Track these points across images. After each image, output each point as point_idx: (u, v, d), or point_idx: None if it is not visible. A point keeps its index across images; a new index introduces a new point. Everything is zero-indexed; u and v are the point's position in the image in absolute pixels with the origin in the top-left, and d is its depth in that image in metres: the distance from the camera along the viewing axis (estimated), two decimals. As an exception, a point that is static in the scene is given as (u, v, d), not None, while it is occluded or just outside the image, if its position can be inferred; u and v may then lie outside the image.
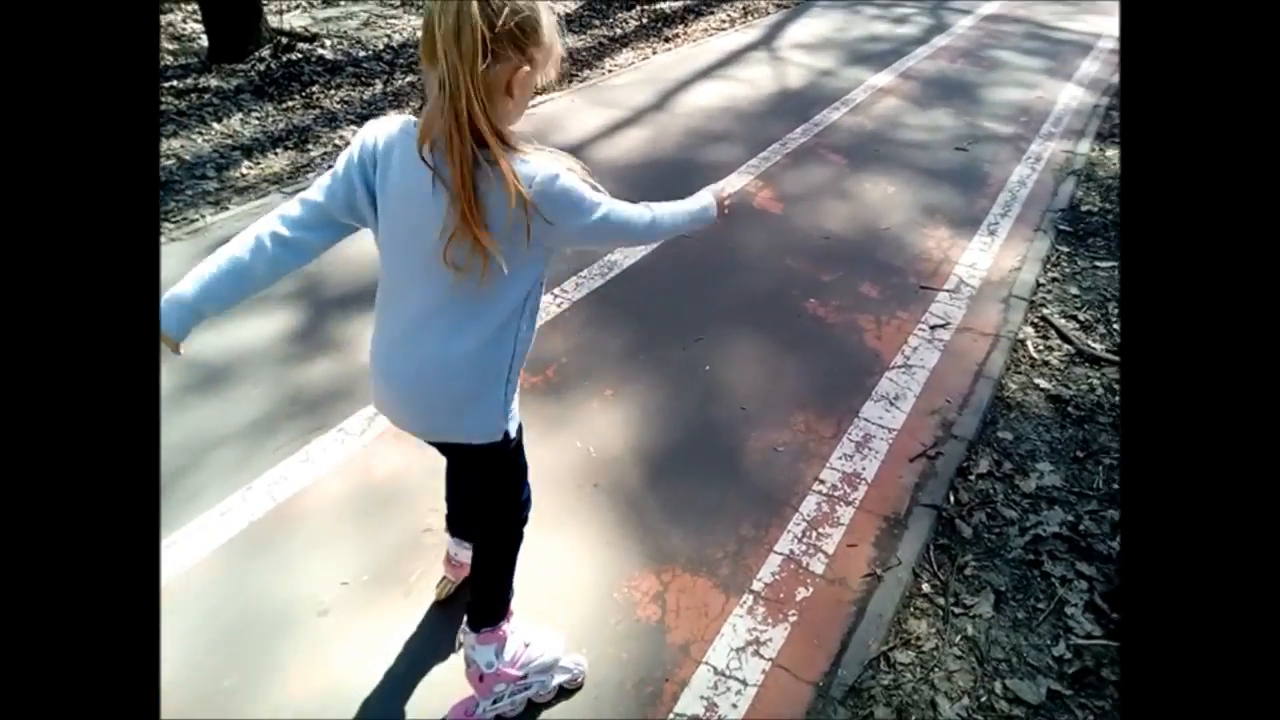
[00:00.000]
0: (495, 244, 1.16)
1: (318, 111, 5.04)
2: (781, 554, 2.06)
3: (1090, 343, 3.03)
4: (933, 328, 3.07)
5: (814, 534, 2.12)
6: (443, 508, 1.88)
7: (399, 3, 7.67)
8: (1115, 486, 2.36)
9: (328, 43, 6.25)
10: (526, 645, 1.67)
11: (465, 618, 1.62)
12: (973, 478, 2.36)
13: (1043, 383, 2.80)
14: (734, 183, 4.19)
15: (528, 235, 1.17)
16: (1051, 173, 4.52)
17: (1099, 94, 6.02)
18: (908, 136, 4.97)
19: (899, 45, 7.08)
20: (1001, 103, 5.66)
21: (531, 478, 1.64)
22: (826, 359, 2.88)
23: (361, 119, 4.96)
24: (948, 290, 3.30)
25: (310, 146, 4.54)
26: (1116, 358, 2.92)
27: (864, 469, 2.36)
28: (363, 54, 6.13)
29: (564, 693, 1.72)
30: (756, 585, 1.97)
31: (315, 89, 5.36)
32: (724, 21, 7.86)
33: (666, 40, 7.17)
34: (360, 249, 3.35)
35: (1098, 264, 3.58)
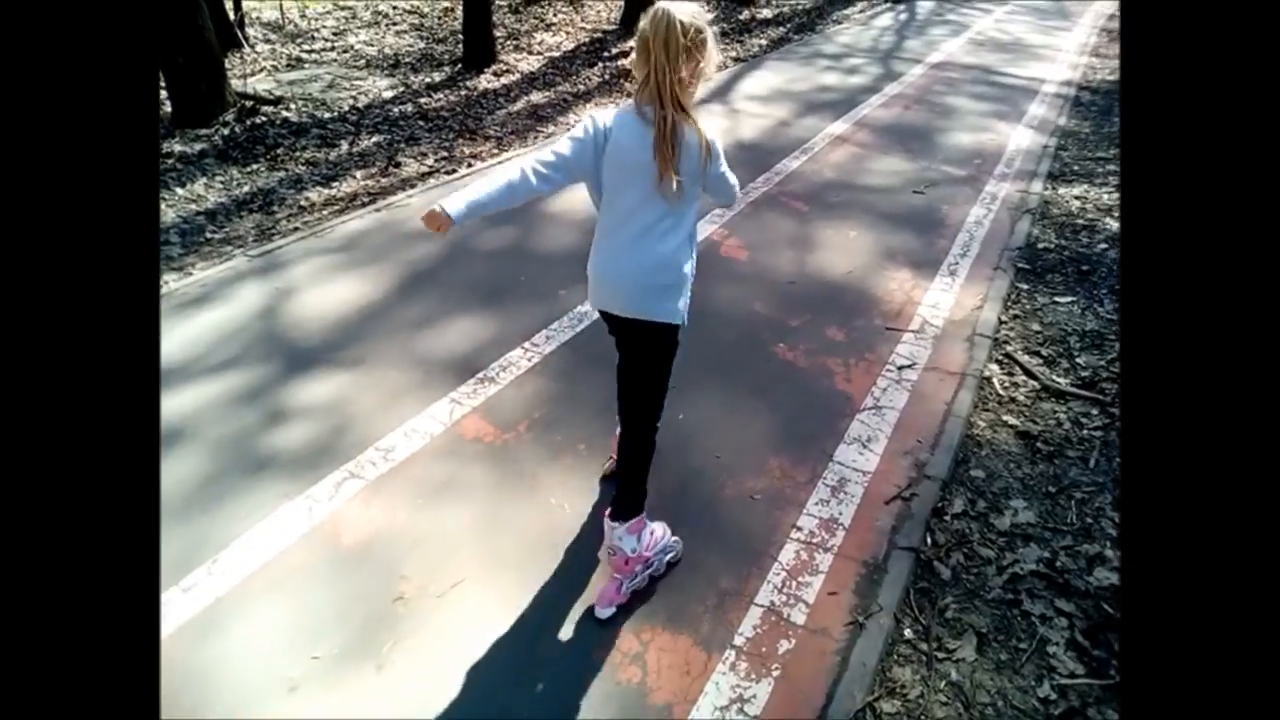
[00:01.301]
0: (681, 178, 1.78)
1: (283, 174, 5.04)
2: (762, 606, 2.04)
3: (1055, 378, 3.09)
4: (900, 368, 3.11)
5: (794, 583, 2.11)
6: (413, 575, 1.87)
7: (363, 65, 7.78)
8: (1088, 520, 2.38)
9: (293, 105, 6.30)
10: (651, 533, 2.09)
11: (609, 513, 2.02)
12: (948, 518, 2.36)
13: (1011, 419, 2.84)
14: (699, 231, 4.26)
15: (710, 167, 1.83)
16: (1007, 212, 4.66)
17: (1048, 135, 6.26)
18: (866, 182, 5.11)
19: (852, 94, 7.33)
20: (955, 146, 5.86)
21: (508, 539, 1.62)
22: (798, 403, 2.89)
23: (328, 180, 4.98)
24: (913, 331, 3.36)
25: (275, 209, 4.53)
26: (1081, 392, 2.98)
27: (841, 514, 2.35)
28: (328, 115, 6.18)
29: None
30: (738, 640, 1.94)
31: (280, 151, 5.38)
32: (684, 75, 8.07)
33: (628, 95, 7.34)
34: (317, 318, 3.33)
35: (1057, 300, 3.68)
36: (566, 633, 1.96)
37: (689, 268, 1.99)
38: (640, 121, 1.79)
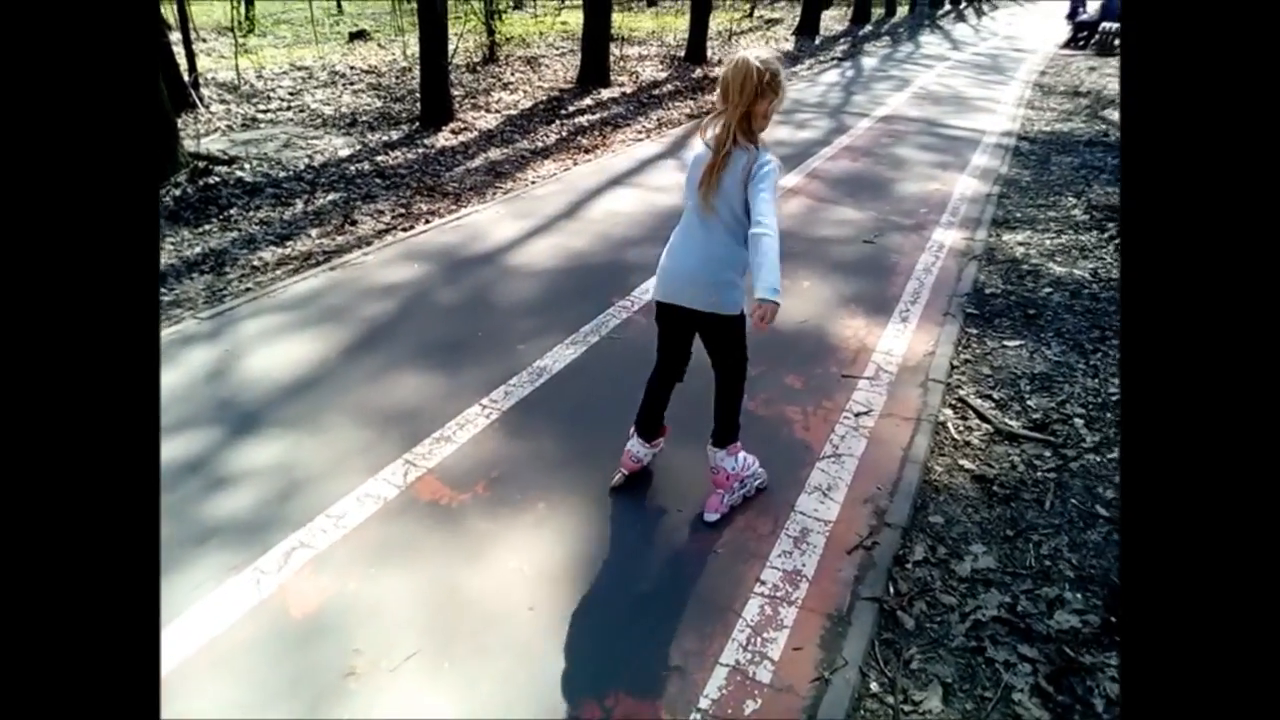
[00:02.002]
0: (722, 195, 2.17)
1: (236, 234, 4.99)
2: (727, 665, 2.00)
3: (1007, 420, 3.15)
4: (857, 415, 3.14)
5: (758, 640, 2.07)
6: (366, 648, 1.78)
7: (320, 124, 7.81)
8: (1046, 563, 2.40)
9: (247, 165, 6.28)
10: (745, 458, 2.57)
11: (710, 441, 2.51)
12: (909, 566, 2.37)
13: (967, 463, 2.88)
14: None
15: (754, 183, 2.10)
16: (954, 259, 4.81)
17: (991, 183, 6.52)
18: (819, 232, 5.24)
19: (804, 148, 7.56)
20: (903, 196, 6.06)
21: (464, 606, 1.57)
22: (759, 452, 2.88)
23: (282, 239, 4.94)
24: (868, 378, 3.41)
25: (227, 269, 4.47)
26: (1033, 434, 3.04)
27: (803, 565, 2.34)
28: (283, 174, 6.16)
29: None
30: (704, 703, 1.89)
31: (234, 211, 5.33)
32: (639, 133, 8.27)
33: (586, 151, 7.47)
34: (268, 380, 3.26)
35: (1006, 343, 3.78)
36: (527, 702, 1.89)
37: (740, 272, 2.28)
38: (706, 150, 2.22)
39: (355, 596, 2.19)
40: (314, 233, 5.07)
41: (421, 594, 2.19)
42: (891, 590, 2.27)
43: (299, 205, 5.57)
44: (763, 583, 2.27)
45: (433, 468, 2.72)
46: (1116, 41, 16.86)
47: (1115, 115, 9.82)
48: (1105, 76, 13.36)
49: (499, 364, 3.39)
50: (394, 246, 4.76)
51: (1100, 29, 17.28)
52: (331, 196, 5.78)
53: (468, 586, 2.23)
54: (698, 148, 2.27)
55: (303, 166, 6.41)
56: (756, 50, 2.13)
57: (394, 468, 2.72)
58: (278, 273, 4.42)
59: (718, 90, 2.17)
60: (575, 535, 2.44)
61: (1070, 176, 6.91)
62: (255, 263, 4.57)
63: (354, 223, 5.24)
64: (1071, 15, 19.17)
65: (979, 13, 30.02)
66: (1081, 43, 18.01)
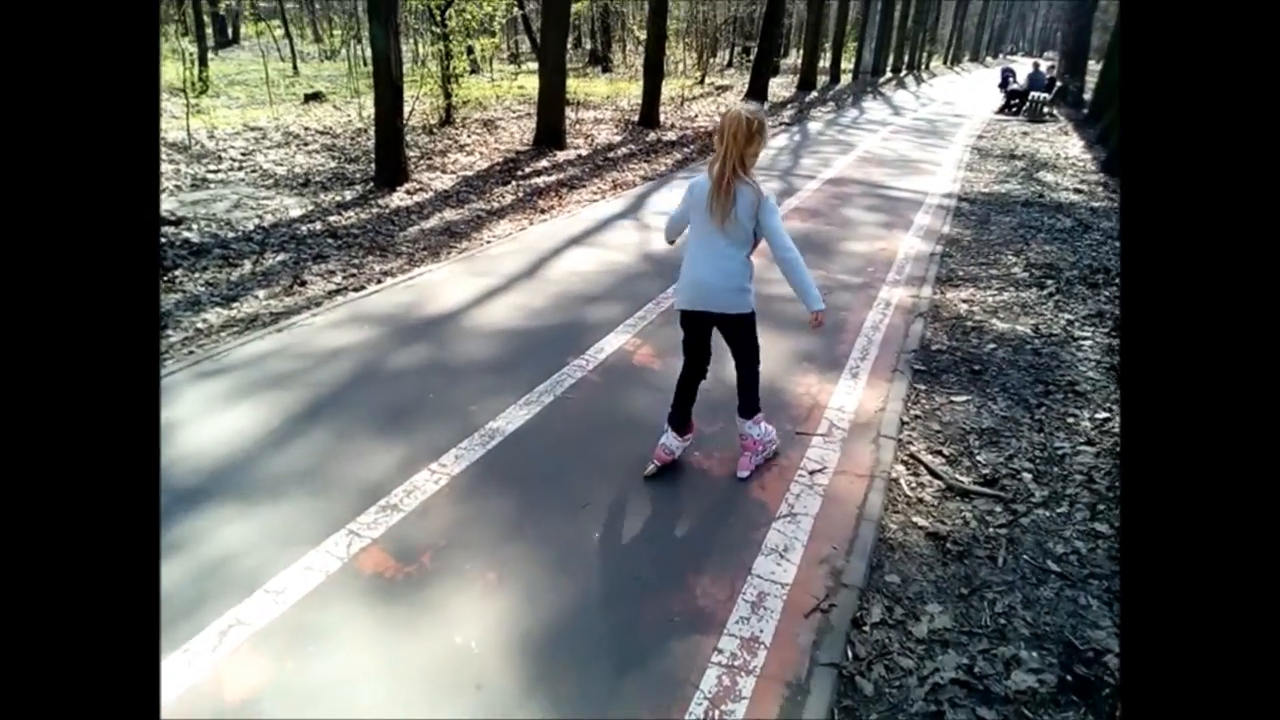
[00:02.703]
0: (734, 216, 2.64)
1: (179, 295, 4.87)
2: (684, 740, 1.93)
3: (958, 476, 3.18)
4: (811, 473, 3.14)
5: (716, 713, 2.01)
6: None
7: (272, 184, 7.76)
8: (1001, 621, 2.40)
9: (194, 226, 6.17)
10: (766, 426, 3.13)
11: (738, 412, 3.04)
12: (867, 628, 2.34)
13: (920, 520, 2.89)
14: (613, 341, 4.31)
15: (754, 215, 2.67)
16: (901, 316, 4.93)
17: (934, 242, 6.75)
18: (770, 290, 5.32)
19: (755, 208, 7.75)
20: (850, 254, 6.23)
21: (409, 686, 1.49)
22: (715, 515, 2.86)
23: (228, 300, 4.83)
24: (821, 435, 3.43)
25: (170, 332, 4.34)
26: (984, 490, 3.08)
27: (761, 631, 2.29)
28: (231, 235, 6.07)
29: None
30: (660, 782, 1.81)
31: (179, 273, 5.21)
32: (595, 194, 8.40)
33: (542, 211, 7.55)
34: (206, 449, 3.13)
35: (953, 399, 3.85)
36: (473, 791, 1.79)
37: (748, 279, 2.80)
38: (707, 180, 2.69)
39: (294, 677, 2.07)
40: (261, 294, 4.97)
41: (364, 673, 2.08)
42: (850, 654, 2.23)
43: (247, 266, 5.47)
44: (720, 651, 2.21)
45: (378, 538, 2.62)
46: (1045, 109, 17.88)
47: (1049, 177, 10.35)
48: (1037, 141, 14.12)
49: (450, 427, 3.33)
50: (344, 307, 4.69)
51: (1030, 97, 18.34)
52: (281, 257, 5.70)
53: (412, 665, 2.12)
54: (697, 182, 2.76)
55: (252, 227, 6.33)
56: (745, 104, 2.66)
57: (337, 539, 2.61)
58: (222, 335, 4.31)
59: (716, 135, 2.66)
60: (526, 607, 2.36)
61: (1009, 235, 7.21)
62: (199, 325, 4.45)
63: (303, 283, 5.16)
64: (1003, 84, 20.35)
65: (918, 80, 31.67)
66: (1014, 109, 19.07)
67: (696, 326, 2.94)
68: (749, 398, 3.02)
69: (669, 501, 2.92)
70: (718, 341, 2.98)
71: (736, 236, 2.70)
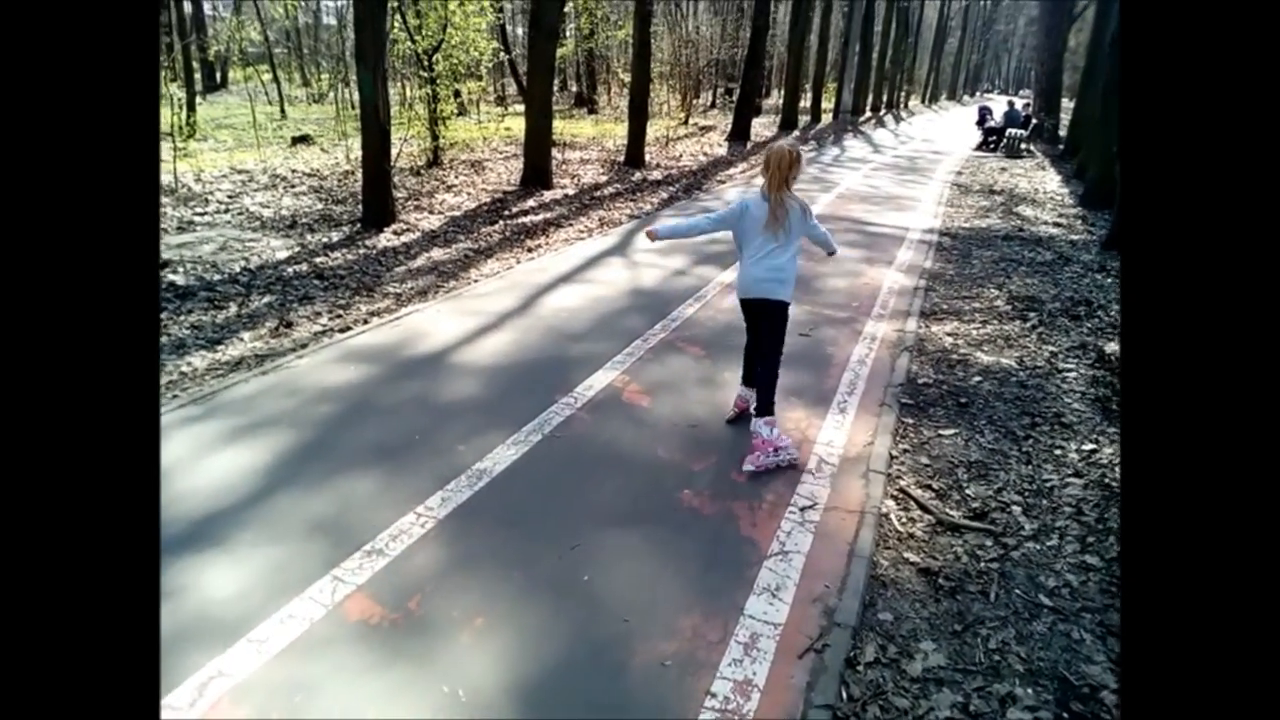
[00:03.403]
0: (788, 229, 3.39)
1: (165, 339, 4.84)
2: (678, 789, 1.88)
3: (948, 510, 3.18)
4: (802, 509, 3.13)
5: (710, 759, 1.96)
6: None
7: (259, 226, 7.78)
8: (995, 658, 2.38)
9: (180, 269, 6.16)
10: (778, 431, 3.49)
11: (754, 412, 3.49)
12: (860, 668, 2.31)
13: (911, 556, 2.88)
14: (601, 378, 4.31)
15: (802, 220, 3.44)
16: (887, 350, 4.96)
17: (917, 277, 6.84)
18: (757, 326, 5.37)
19: (740, 244, 7.84)
20: (835, 290, 6.29)
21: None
22: (706, 553, 2.84)
23: (213, 343, 4.80)
24: (811, 470, 3.42)
25: (153, 375, 4.30)
26: (974, 524, 3.07)
27: (755, 674, 2.26)
28: (217, 277, 6.06)
29: None
30: (653, 834, 1.76)
31: (164, 316, 5.18)
32: (582, 231, 8.47)
33: (529, 250, 7.60)
34: (188, 495, 3.08)
35: (941, 433, 3.86)
36: None
37: (791, 275, 3.49)
38: (763, 200, 3.41)
39: (273, 733, 2.01)
40: (247, 336, 4.95)
41: (347, 727, 2.03)
42: (844, 695, 2.20)
43: (232, 309, 5.45)
44: (713, 695, 2.17)
45: (363, 584, 2.57)
46: (1022, 146, 18.30)
47: (1028, 211, 10.54)
48: (1015, 176, 14.41)
49: (436, 468, 3.30)
50: (331, 349, 4.68)
51: (1007, 134, 18.77)
52: (267, 299, 5.69)
53: (400, 716, 2.07)
54: (748, 199, 3.47)
55: (238, 269, 6.33)
56: (785, 139, 3.79)
57: (321, 585, 2.57)
58: (207, 379, 4.27)
59: (762, 165, 3.44)
60: (515, 653, 2.31)
61: (991, 269, 7.31)
62: (184, 368, 4.41)
63: (290, 325, 5.15)
64: (980, 122, 20.83)
65: (898, 119, 32.38)
66: (992, 146, 19.49)
67: (754, 311, 3.63)
68: (765, 397, 3.48)
69: (660, 541, 2.89)
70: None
71: (786, 241, 3.43)
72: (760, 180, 3.50)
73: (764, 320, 3.51)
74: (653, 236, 3.65)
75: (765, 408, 3.44)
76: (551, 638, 2.37)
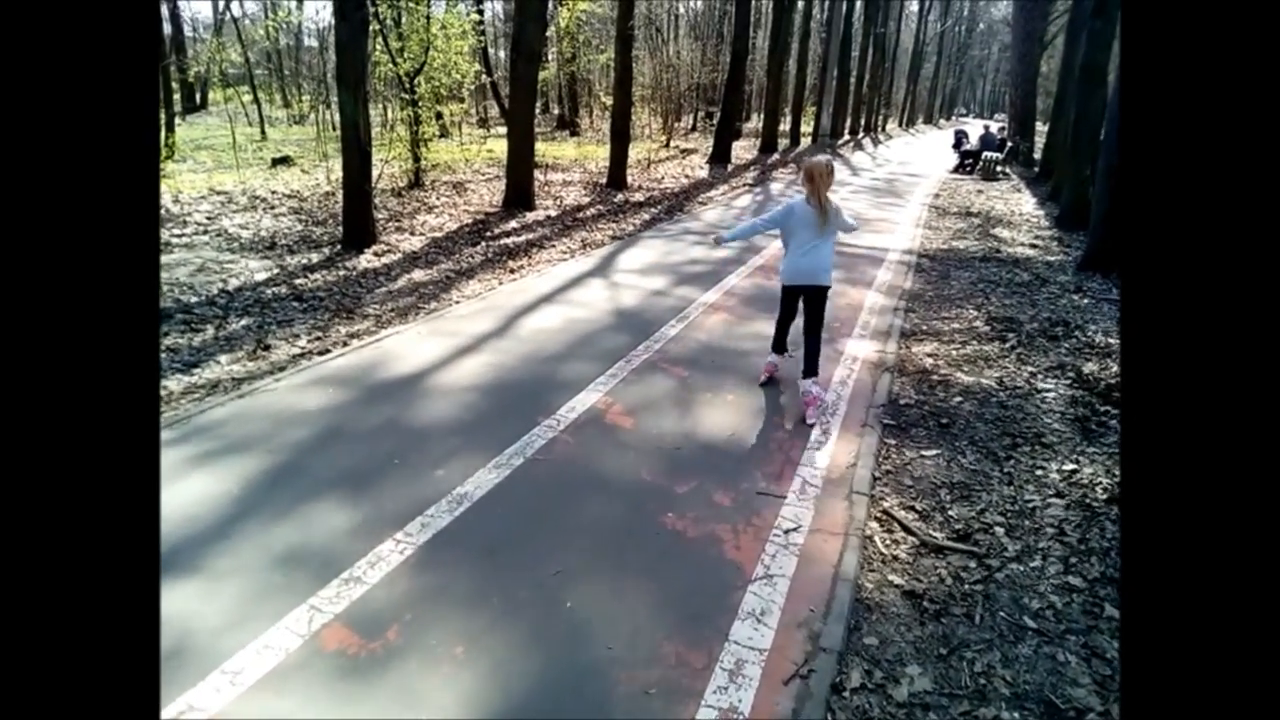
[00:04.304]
0: (831, 223, 4.19)
1: (138, 361, 4.75)
2: (663, 823, 1.84)
3: (931, 532, 3.17)
4: (786, 532, 3.11)
5: (695, 791, 1.93)
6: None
7: (237, 248, 7.70)
8: (981, 681, 2.36)
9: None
10: (819, 390, 4.29)
11: (801, 375, 4.29)
12: (847, 693, 2.28)
13: (896, 578, 2.87)
14: (584, 400, 4.28)
15: (840, 217, 4.31)
16: (868, 371, 4.99)
17: (896, 298, 6.90)
18: (738, 346, 5.38)
19: (719, 266, 7.89)
20: (789, 350, 6.31)
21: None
22: (690, 578, 2.81)
23: (189, 367, 4.73)
24: (795, 492, 3.41)
25: (125, 399, 4.21)
26: (958, 545, 3.07)
27: (740, 701, 2.22)
28: (194, 300, 5.98)
29: None
30: None
31: (137, 338, 5.09)
32: (564, 253, 8.47)
33: (511, 271, 7.58)
34: (167, 520, 3.01)
35: (924, 453, 3.87)
36: None
37: (831, 263, 4.29)
38: (809, 204, 4.17)
39: (245, 771, 1.94)
40: (224, 359, 4.88)
41: (322, 763, 1.97)
42: (831, 722, 2.17)
43: (209, 331, 5.38)
44: (698, 723, 2.14)
45: (340, 613, 2.52)
46: (998, 168, 18.63)
47: (1005, 233, 10.70)
48: (991, 199, 14.65)
49: (415, 493, 3.25)
50: (309, 371, 4.62)
51: (983, 157, 19.12)
52: (245, 321, 5.62)
53: (375, 750, 2.01)
54: (794, 204, 4.23)
55: (216, 291, 6.25)
56: (822, 155, 4.39)
57: (298, 614, 2.50)
58: (183, 402, 4.20)
59: (804, 176, 4.20)
60: (494, 683, 2.26)
61: (969, 290, 7.40)
62: (159, 392, 4.33)
63: (267, 348, 5.08)
64: (957, 145, 21.21)
65: (875, 142, 32.88)
66: (968, 169, 19.83)
67: (793, 296, 4.42)
68: (812, 361, 4.29)
69: (644, 565, 2.86)
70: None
71: (829, 236, 4.23)
72: (800, 189, 4.36)
73: (809, 302, 4.31)
74: (719, 241, 4.57)
75: (812, 370, 4.27)
76: (533, 666, 2.33)
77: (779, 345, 4.70)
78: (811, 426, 4.08)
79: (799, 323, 4.43)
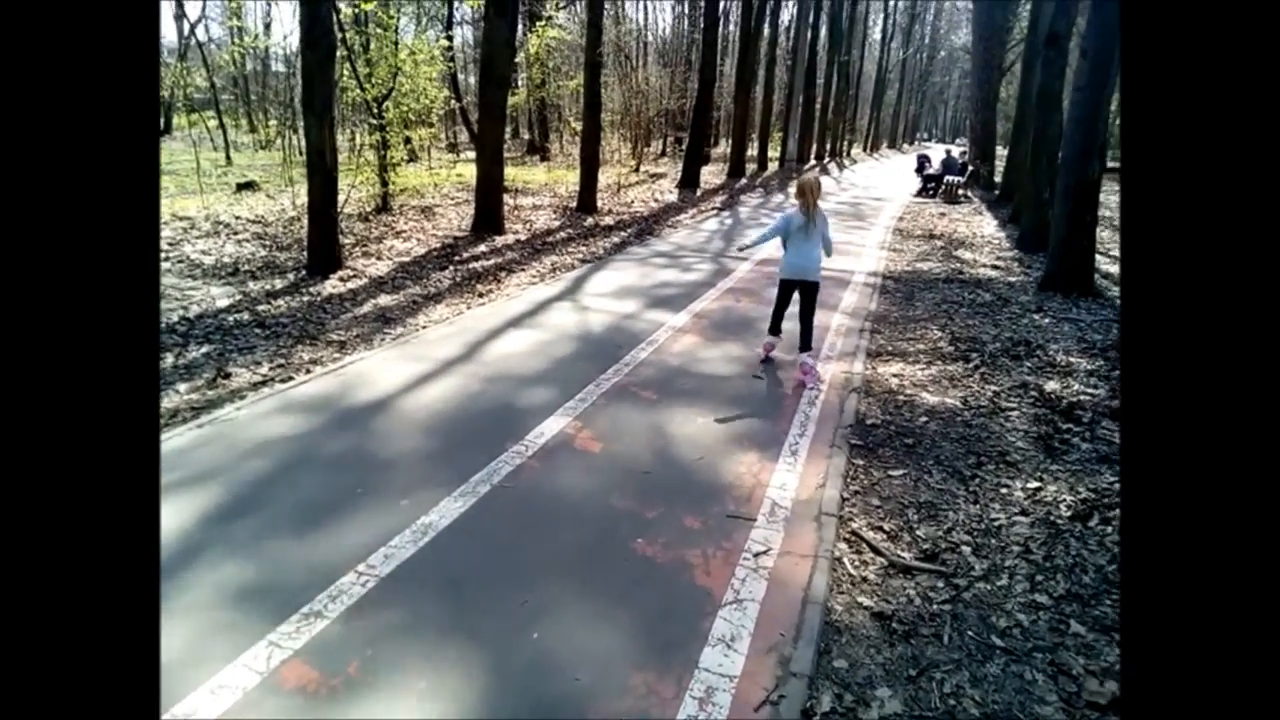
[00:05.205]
0: (816, 227, 5.26)
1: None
2: None
3: (899, 552, 3.18)
4: (756, 555, 3.10)
5: (664, 824, 1.89)
6: None
7: (199, 274, 7.57)
8: (950, 702, 2.36)
9: (113, 318, 5.93)
10: (814, 363, 5.34)
11: (799, 349, 5.30)
12: (817, 718, 2.26)
13: (865, 600, 2.86)
14: (553, 425, 4.25)
15: (826, 225, 5.37)
16: (835, 391, 5.02)
17: (862, 319, 6.98)
18: (708, 369, 5.39)
19: (690, 289, 7.93)
20: (785, 332, 6.36)
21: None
22: (660, 604, 2.78)
23: (145, 395, 4.60)
24: (765, 515, 3.41)
25: (78, 431, 4.08)
26: (925, 565, 3.08)
27: (709, 729, 2.19)
28: (154, 327, 5.85)
29: None
30: None
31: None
32: (534, 276, 8.46)
33: (480, 295, 7.54)
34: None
35: (890, 473, 3.90)
36: None
37: (820, 262, 5.27)
38: (801, 212, 5.20)
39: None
40: (183, 388, 4.76)
41: (277, 808, 1.89)
42: (801, 749, 2.15)
43: (169, 360, 5.25)
44: (667, 754, 2.10)
45: (300, 649, 2.44)
46: (960, 192, 19.07)
47: (967, 255, 10.92)
48: (954, 221, 14.96)
49: (379, 523, 3.18)
50: (271, 399, 4.52)
51: (945, 181, 19.56)
52: (205, 349, 5.51)
53: (334, 792, 1.95)
54: (790, 214, 5.28)
55: (176, 319, 6.12)
56: (813, 173, 5.64)
57: (256, 651, 2.43)
58: (137, 433, 4.08)
59: (797, 190, 5.30)
60: (461, 718, 2.21)
61: (933, 311, 7.52)
62: (112, 423, 4.21)
63: (228, 376, 4.98)
64: (920, 169, 21.68)
65: (840, 166, 33.50)
66: (931, 192, 20.26)
67: (789, 289, 5.39)
68: (807, 339, 5.27)
69: (613, 593, 2.82)
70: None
71: (817, 239, 5.23)
72: (792, 199, 5.68)
73: (802, 294, 5.26)
74: (744, 249, 5.97)
75: (807, 345, 5.27)
76: (499, 700, 2.28)
77: (774, 329, 5.64)
78: (781, 445, 4.09)
79: (793, 309, 5.39)
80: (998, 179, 20.64)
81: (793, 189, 7.04)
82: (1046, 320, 7.19)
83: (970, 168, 20.90)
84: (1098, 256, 8.93)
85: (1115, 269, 9.98)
